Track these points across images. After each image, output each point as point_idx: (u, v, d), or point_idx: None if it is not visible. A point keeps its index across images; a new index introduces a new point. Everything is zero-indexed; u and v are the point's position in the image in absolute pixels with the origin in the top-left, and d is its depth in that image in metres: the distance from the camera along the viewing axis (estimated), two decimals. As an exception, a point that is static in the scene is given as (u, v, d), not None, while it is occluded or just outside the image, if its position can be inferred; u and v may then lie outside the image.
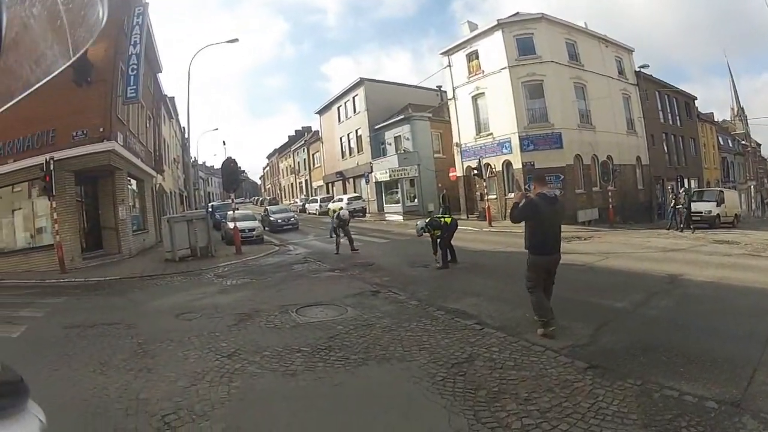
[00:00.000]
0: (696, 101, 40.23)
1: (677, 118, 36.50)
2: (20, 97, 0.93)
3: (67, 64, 0.97)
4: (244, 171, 22.51)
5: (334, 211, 17.46)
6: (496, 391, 4.49)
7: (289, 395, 4.81)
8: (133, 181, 21.15)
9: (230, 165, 18.81)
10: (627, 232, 18.78)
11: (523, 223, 6.33)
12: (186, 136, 33.08)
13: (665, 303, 7.59)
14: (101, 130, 16.23)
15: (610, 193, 23.16)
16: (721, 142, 47.57)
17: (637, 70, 30.56)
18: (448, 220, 12.06)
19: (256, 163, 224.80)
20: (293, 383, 5.10)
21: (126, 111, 19.21)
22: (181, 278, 13.21)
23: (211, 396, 4.79)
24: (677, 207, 19.99)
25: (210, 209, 23.52)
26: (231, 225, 19.03)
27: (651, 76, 32.37)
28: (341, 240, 16.07)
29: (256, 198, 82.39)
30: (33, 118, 15.12)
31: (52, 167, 14.44)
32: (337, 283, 10.93)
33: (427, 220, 12.26)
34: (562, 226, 6.49)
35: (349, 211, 18.10)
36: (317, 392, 4.86)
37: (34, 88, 0.93)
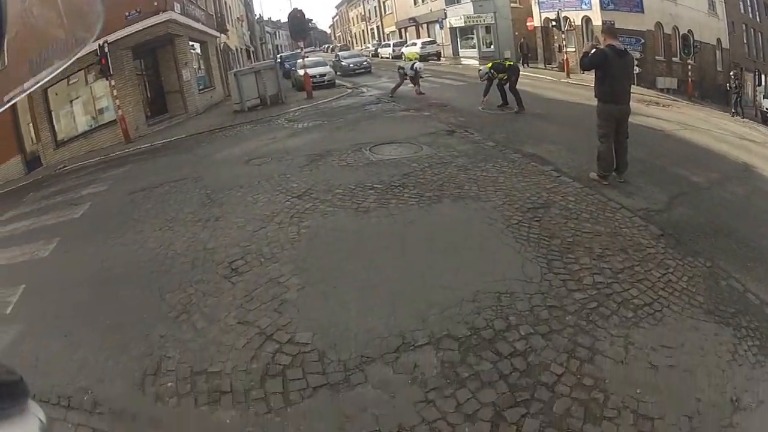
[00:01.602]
0: (775, 1, 35.69)
1: (757, 13, 32.67)
2: (20, 97, 0.92)
3: (67, 63, 0.96)
4: (311, 20, 22.07)
5: (410, 59, 16.71)
6: (570, 242, 4.29)
7: (360, 233, 4.64)
8: (196, 45, 20.50)
9: (297, 15, 18.26)
10: (705, 109, 17.32)
11: (593, 74, 6.16)
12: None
13: (739, 190, 6.84)
14: (155, 3, 15.64)
15: (689, 67, 21.91)
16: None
17: (719, -52, 26.60)
18: (510, 63, 12.04)
19: (324, 14, 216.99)
20: (365, 220, 4.92)
21: (181, -20, 18.18)
22: (250, 126, 12.77)
23: (280, 237, 4.66)
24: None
25: (279, 60, 22.87)
26: (301, 72, 18.55)
27: (732, -41, 28.21)
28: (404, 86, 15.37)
29: (327, 45, 79.52)
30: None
31: (107, 50, 13.88)
32: (411, 123, 10.44)
33: (489, 65, 11.88)
34: (641, 87, 5.94)
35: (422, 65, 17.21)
36: (389, 230, 4.66)
37: (34, 88, 0.92)
